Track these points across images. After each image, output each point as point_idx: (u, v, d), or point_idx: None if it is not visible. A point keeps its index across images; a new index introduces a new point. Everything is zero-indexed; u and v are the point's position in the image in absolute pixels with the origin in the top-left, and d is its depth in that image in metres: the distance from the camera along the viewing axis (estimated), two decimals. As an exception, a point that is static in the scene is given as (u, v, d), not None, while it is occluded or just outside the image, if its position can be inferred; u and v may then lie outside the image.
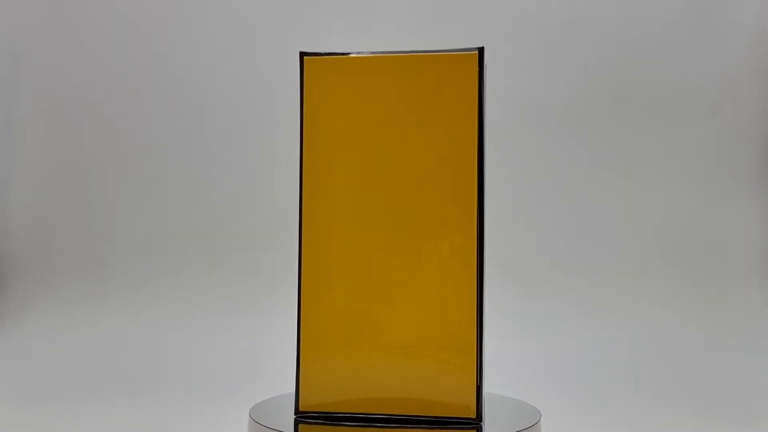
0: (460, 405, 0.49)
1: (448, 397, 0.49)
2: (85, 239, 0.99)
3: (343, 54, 0.52)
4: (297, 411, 0.51)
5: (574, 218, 0.94)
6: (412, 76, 0.51)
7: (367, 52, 0.52)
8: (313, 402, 0.51)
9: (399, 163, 0.51)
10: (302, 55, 0.53)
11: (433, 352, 0.50)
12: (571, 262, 0.93)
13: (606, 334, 0.87)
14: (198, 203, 0.99)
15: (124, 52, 1.02)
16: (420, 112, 0.50)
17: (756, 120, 0.94)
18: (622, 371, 0.80)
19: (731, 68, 0.94)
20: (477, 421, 0.49)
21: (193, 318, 0.91)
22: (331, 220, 0.52)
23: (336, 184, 0.52)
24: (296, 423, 0.51)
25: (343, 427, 0.50)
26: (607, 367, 0.81)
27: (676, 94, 0.94)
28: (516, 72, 0.93)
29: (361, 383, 0.51)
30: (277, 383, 0.61)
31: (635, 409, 0.69)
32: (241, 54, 1.01)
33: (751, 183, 0.93)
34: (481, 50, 0.49)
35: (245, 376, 0.77)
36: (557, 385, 0.76)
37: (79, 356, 0.85)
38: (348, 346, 0.51)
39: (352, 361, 0.51)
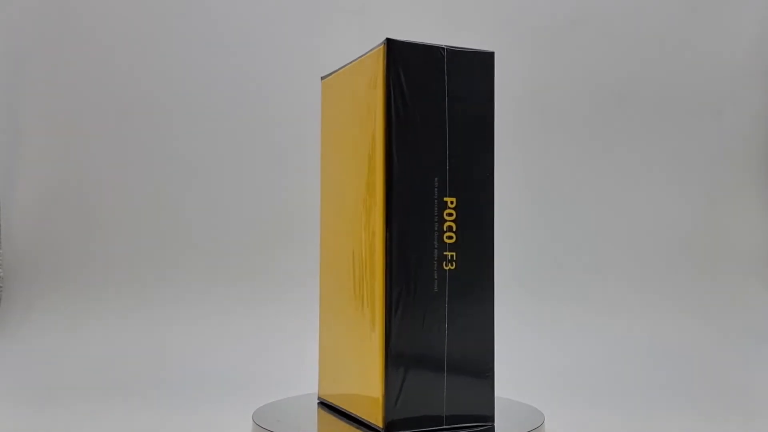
0: (373, 413, 0.48)
1: (369, 403, 0.48)
2: (88, 242, 0.99)
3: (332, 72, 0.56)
4: (318, 397, 0.58)
5: (579, 220, 0.95)
6: (352, 85, 0.52)
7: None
8: (325, 392, 0.56)
9: (345, 172, 0.52)
10: (322, 78, 0.58)
11: (363, 358, 0.49)
12: (575, 264, 0.93)
13: (610, 336, 0.86)
14: (200, 207, 0.97)
15: (125, 57, 1.01)
16: (356, 119, 0.51)
17: (759, 122, 0.93)
18: (626, 372, 0.79)
19: (734, 71, 0.94)
20: None
21: (196, 321, 0.91)
22: (324, 227, 0.57)
23: (326, 193, 0.57)
24: (318, 405, 0.57)
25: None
26: (612, 368, 0.80)
27: (679, 96, 0.94)
28: (519, 75, 0.92)
29: (338, 381, 0.54)
30: (281, 386, 0.63)
31: (640, 410, 0.68)
32: (243, 57, 0.99)
33: (754, 184, 0.93)
34: (388, 43, 0.47)
35: (248, 379, 0.76)
36: (562, 387, 0.75)
37: (81, 359, 0.86)
38: (334, 344, 0.55)
39: (336, 359, 0.54)
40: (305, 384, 0.60)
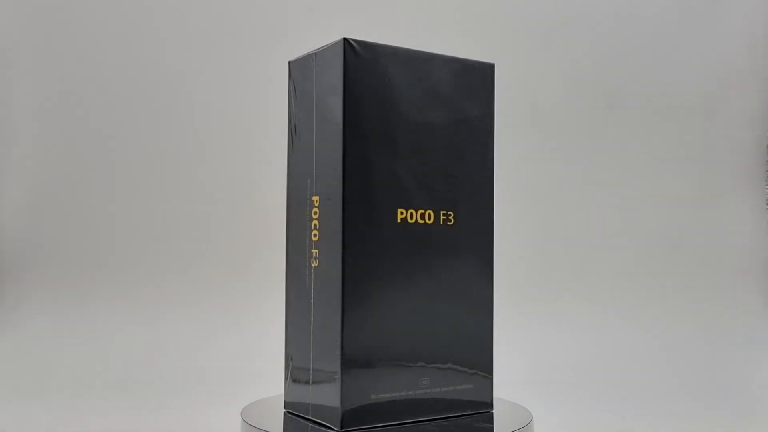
0: None
1: None
2: (78, 241, 0.97)
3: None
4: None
5: (573, 221, 0.95)
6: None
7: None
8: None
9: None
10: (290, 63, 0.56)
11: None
12: (567, 265, 0.95)
13: (603, 336, 0.89)
14: (190, 206, 0.98)
15: (116, 54, 1.01)
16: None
17: (749, 122, 0.94)
18: (617, 372, 0.82)
19: (725, 71, 0.96)
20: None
21: (185, 319, 0.92)
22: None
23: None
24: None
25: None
26: (603, 368, 0.82)
27: (670, 97, 0.96)
28: (510, 75, 0.88)
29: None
30: (269, 384, 0.62)
31: (630, 410, 0.70)
32: (232, 58, 1.00)
33: (744, 185, 0.94)
34: (289, 64, 0.52)
35: (237, 377, 0.77)
36: (552, 386, 0.77)
37: (70, 357, 0.82)
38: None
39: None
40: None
